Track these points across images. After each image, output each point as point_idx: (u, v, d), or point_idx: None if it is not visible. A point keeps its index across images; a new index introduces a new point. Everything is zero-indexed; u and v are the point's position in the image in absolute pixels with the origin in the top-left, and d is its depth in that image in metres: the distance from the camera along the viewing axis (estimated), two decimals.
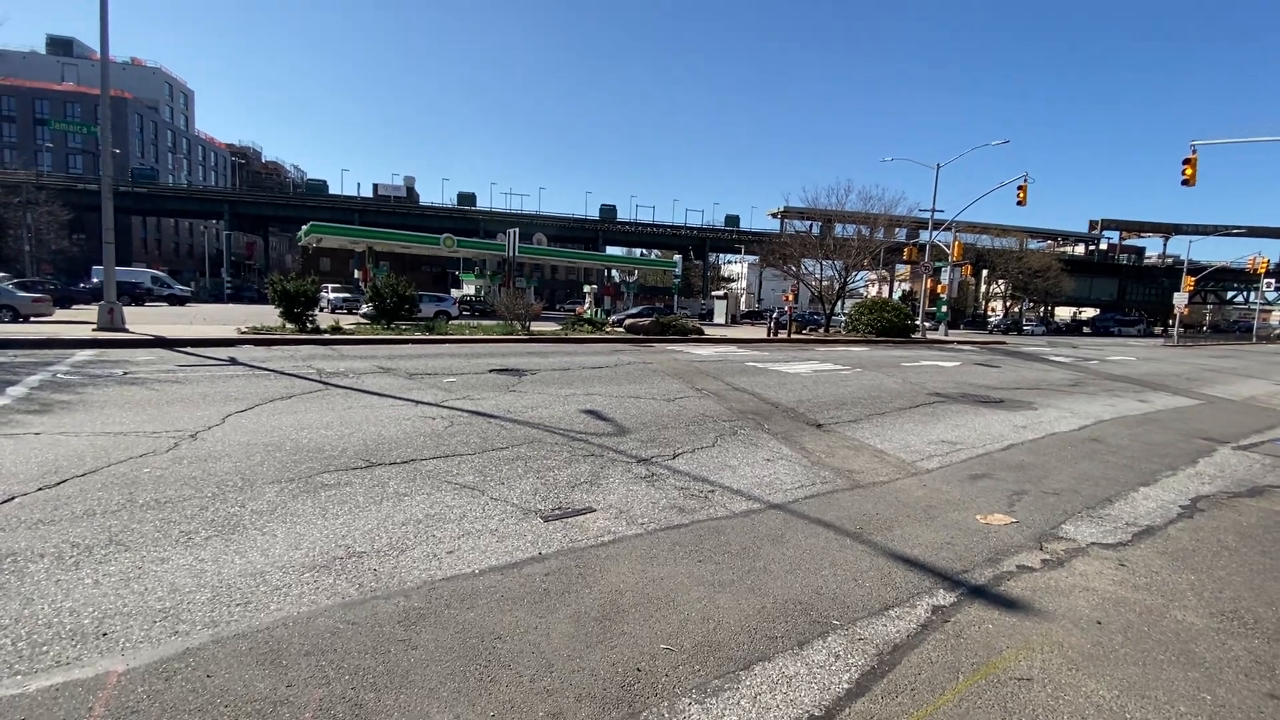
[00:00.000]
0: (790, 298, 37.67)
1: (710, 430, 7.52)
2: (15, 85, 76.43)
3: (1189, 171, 16.77)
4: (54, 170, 71.24)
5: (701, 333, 25.29)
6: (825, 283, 35.26)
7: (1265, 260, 49.98)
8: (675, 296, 58.86)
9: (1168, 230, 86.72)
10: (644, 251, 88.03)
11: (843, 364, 16.34)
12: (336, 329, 17.17)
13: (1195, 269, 55.96)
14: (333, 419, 7.01)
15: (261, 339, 14.84)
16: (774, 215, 67.94)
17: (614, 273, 57.17)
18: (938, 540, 4.48)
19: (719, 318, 47.76)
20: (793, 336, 27.25)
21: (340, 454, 5.69)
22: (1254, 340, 61.94)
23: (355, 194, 75.85)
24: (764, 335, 27.60)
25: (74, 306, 28.29)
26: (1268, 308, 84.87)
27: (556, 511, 4.58)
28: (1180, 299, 46.21)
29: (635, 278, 53.41)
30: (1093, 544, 4.58)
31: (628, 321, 24.76)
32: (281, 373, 10.22)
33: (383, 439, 6.27)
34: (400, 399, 8.43)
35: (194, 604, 3.13)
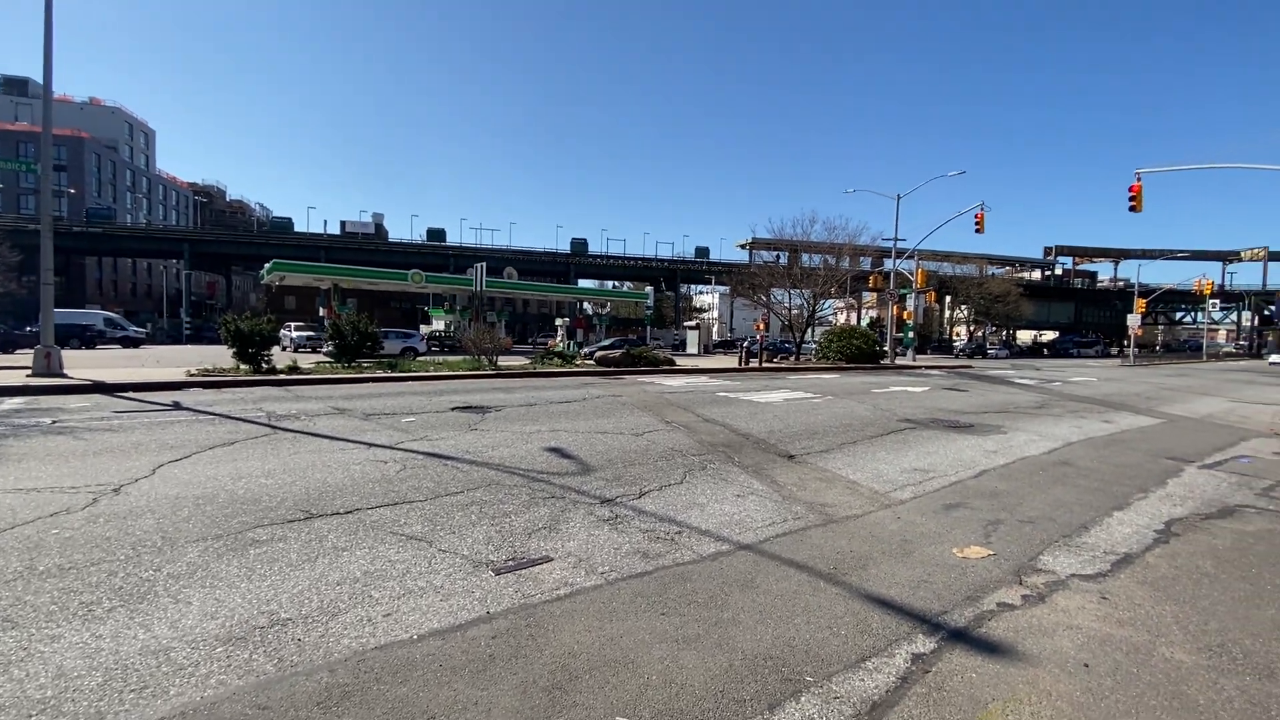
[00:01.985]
0: (761, 327, 37.97)
1: (679, 465, 7.26)
2: None
3: (1136, 198, 17.45)
4: (4, 211, 69.06)
5: (673, 363, 25.16)
6: (794, 311, 35.62)
7: (1210, 282, 52.38)
8: (648, 328, 58.95)
9: (1118, 255, 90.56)
10: (616, 283, 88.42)
11: (814, 392, 16.29)
12: (294, 369, 16.56)
13: (1146, 291, 58.29)
14: (275, 466, 6.56)
15: (211, 381, 14.18)
16: (742, 246, 69.15)
17: (586, 305, 57.14)
18: (915, 578, 4.25)
19: (691, 348, 47.80)
20: (764, 365, 27.30)
21: (278, 505, 5.26)
22: (1204, 358, 64.44)
23: (322, 231, 75.00)
24: (736, 365, 27.59)
25: (16, 351, 26.99)
26: (1214, 326, 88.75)
27: (510, 563, 4.24)
28: (1134, 320, 47.91)
29: (607, 310, 53.43)
30: (1072, 575, 4.41)
31: (599, 354, 24.52)
32: (227, 417, 9.68)
33: (327, 487, 5.85)
34: (352, 441, 7.99)
35: (80, 692, 2.72)
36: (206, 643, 3.13)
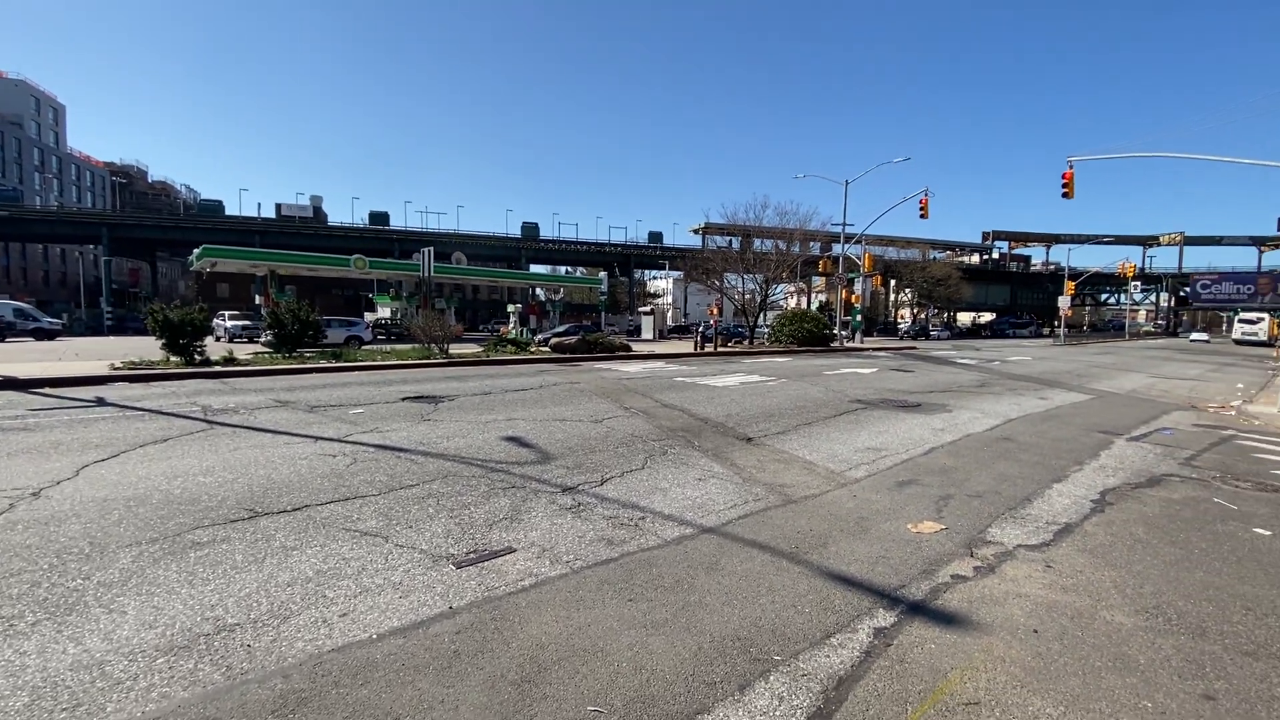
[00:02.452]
0: (715, 311, 38.31)
1: (640, 451, 7.24)
2: None
3: (1068, 185, 18.31)
4: None
5: (629, 349, 25.12)
6: (747, 296, 36.06)
7: (1132, 265, 55.80)
8: (602, 314, 58.61)
9: (1049, 240, 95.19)
10: (569, 269, 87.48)
11: (768, 375, 16.56)
12: (230, 360, 15.71)
13: (1075, 274, 61.60)
14: (214, 463, 6.21)
15: (139, 375, 13.30)
16: (696, 231, 69.37)
17: (539, 291, 56.35)
18: (873, 554, 4.37)
19: (647, 333, 47.86)
20: (719, 350, 27.58)
21: (219, 505, 4.98)
22: (1127, 337, 68.78)
23: (256, 215, 71.12)
24: (691, 350, 27.77)
25: None
26: (1136, 307, 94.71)
27: (471, 555, 4.14)
28: (1064, 302, 50.61)
29: (561, 296, 52.84)
30: (1019, 546, 4.61)
31: (554, 341, 24.22)
32: (159, 412, 9.10)
33: (273, 483, 5.57)
34: (297, 435, 7.64)
35: (4, 714, 2.50)
36: (145, 654, 2.93)
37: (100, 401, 10.08)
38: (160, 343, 15.70)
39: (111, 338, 40.94)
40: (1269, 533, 5.04)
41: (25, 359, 18.17)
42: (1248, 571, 4.23)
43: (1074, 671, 2.99)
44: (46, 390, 11.32)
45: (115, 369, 14.08)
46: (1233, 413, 12.17)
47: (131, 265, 75.51)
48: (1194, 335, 67.11)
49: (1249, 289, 77.12)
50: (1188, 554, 4.52)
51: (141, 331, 43.51)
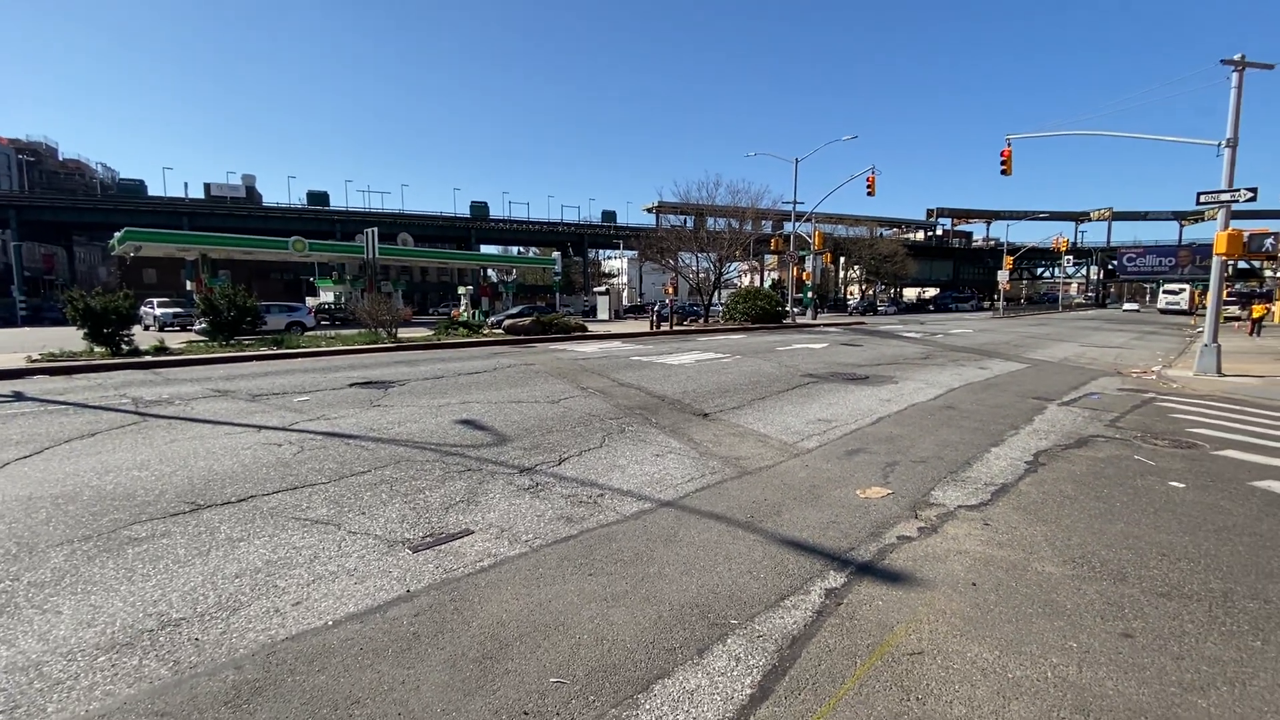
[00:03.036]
0: (670, 290, 38.42)
1: (597, 430, 7.26)
2: None
3: (1006, 163, 19.01)
4: None
5: (585, 330, 25.00)
6: (702, 274, 36.31)
7: (1065, 240, 58.59)
8: (557, 295, 58.00)
9: (990, 216, 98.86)
10: (521, 249, 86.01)
11: (723, 352, 16.78)
12: (161, 349, 14.89)
13: (1013, 250, 64.28)
14: (149, 456, 5.91)
15: (60, 367, 12.47)
16: (649, 210, 69.17)
17: (490, 272, 55.32)
18: (824, 520, 4.53)
19: (602, 314, 47.70)
20: (674, 328, 27.74)
21: (157, 499, 4.76)
22: (1060, 309, 72.43)
23: (183, 195, 67.05)
24: (647, 329, 27.85)
25: None
26: (1068, 280, 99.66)
27: (428, 539, 4.09)
28: (1003, 276, 52.82)
29: (514, 277, 51.98)
30: (959, 506, 4.86)
31: (507, 323, 23.86)
32: (85, 405, 8.58)
33: (214, 475, 5.36)
34: (239, 425, 7.34)
35: None
36: (85, 653, 2.81)
37: (18, 396, 9.43)
38: (82, 333, 14.73)
39: (27, 329, 38.23)
40: (1183, 485, 5.45)
41: None
42: (1163, 521, 4.58)
43: (1008, 619, 3.19)
44: None
45: (33, 361, 13.15)
46: (1154, 377, 13.03)
47: (45, 251, 70.22)
48: (1126, 306, 73.22)
49: (1170, 261, 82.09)
50: (1110, 508, 4.86)
51: (61, 322, 40.88)
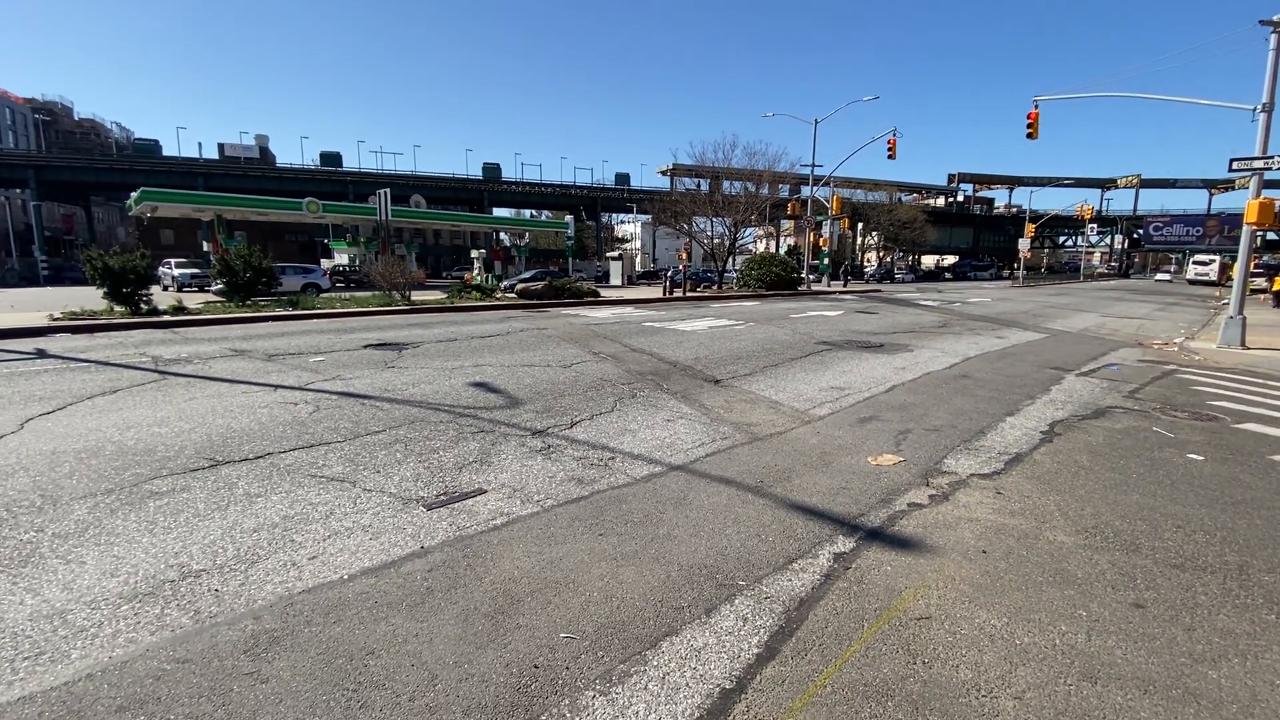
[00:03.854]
0: (684, 256, 38.05)
1: (609, 394, 7.27)
2: None
3: (1033, 126, 18.35)
4: None
5: (597, 295, 24.89)
6: (716, 240, 35.81)
7: (1090, 208, 56.90)
8: (570, 259, 57.63)
9: (1012, 182, 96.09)
10: (533, 213, 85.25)
11: (736, 319, 16.66)
12: (180, 309, 15.06)
13: (1035, 217, 62.59)
14: (169, 413, 6.02)
15: (81, 325, 12.67)
16: (664, 173, 67.98)
17: (503, 236, 54.99)
18: (834, 486, 4.52)
19: (615, 279, 47.42)
20: (688, 295, 27.54)
21: (176, 455, 4.85)
22: (1082, 279, 70.91)
23: (198, 156, 66.87)
24: (660, 295, 27.67)
25: None
26: (1091, 250, 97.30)
27: (442, 497, 4.15)
28: (1024, 244, 51.61)
29: (526, 240, 51.68)
30: (972, 475, 4.83)
31: (520, 286, 23.80)
32: (106, 363, 8.73)
33: (232, 432, 5.45)
34: (256, 384, 7.44)
35: None
36: (109, 602, 2.89)
37: (41, 354, 9.61)
38: (102, 292, 14.92)
39: (49, 288, 38.80)
40: (1201, 458, 5.37)
41: None
42: (1179, 493, 4.53)
43: (1018, 587, 3.19)
44: None
45: (55, 320, 13.37)
46: (1175, 349, 12.77)
47: (64, 211, 70.77)
48: (1158, 276, 72.65)
49: (1198, 231, 79.72)
50: (1126, 479, 4.80)
51: (81, 281, 41.40)
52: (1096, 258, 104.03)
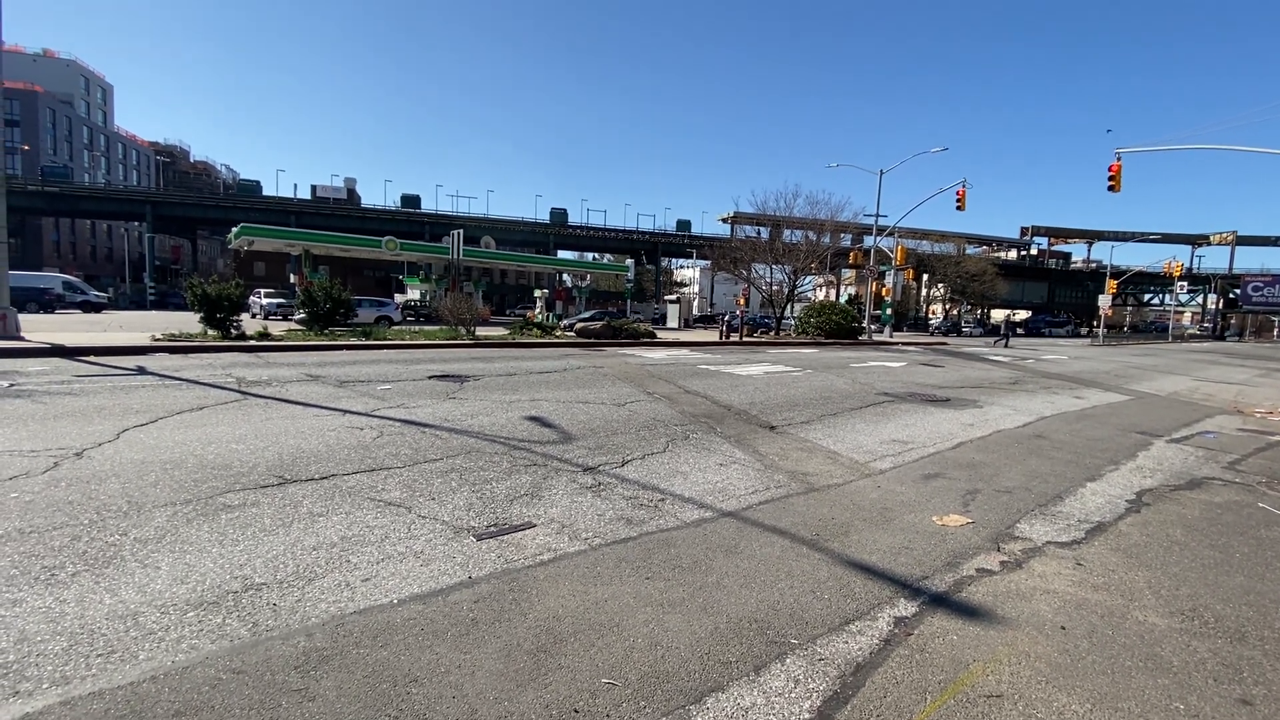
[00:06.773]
0: (742, 301, 38.00)
1: (661, 435, 7.23)
2: None
3: (1115, 178, 17.63)
4: None
5: (654, 336, 25.08)
6: (775, 286, 35.71)
7: (1179, 264, 53.62)
8: (628, 301, 58.64)
9: (1091, 236, 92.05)
10: (596, 256, 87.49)
11: (793, 365, 16.38)
12: (264, 335, 16.12)
13: (1117, 273, 59.45)
14: (246, 431, 6.37)
15: (178, 346, 13.73)
16: (724, 220, 68.79)
17: (565, 276, 56.51)
18: (896, 544, 4.29)
19: (672, 321, 47.73)
20: (744, 339, 27.38)
21: (250, 470, 5.11)
22: (1170, 339, 66.38)
23: (292, 195, 72.60)
24: (716, 338, 27.61)
25: None
26: (1181, 309, 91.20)
27: (491, 529, 4.18)
28: (1105, 301, 48.91)
29: (588, 282, 52.94)
30: (1048, 543, 4.49)
31: (578, 326, 24.31)
32: (195, 382, 9.38)
33: (302, 452, 5.70)
34: (326, 408, 7.80)
35: (44, 656, 2.61)
36: (177, 607, 3.02)
37: (141, 370, 10.42)
38: (199, 317, 16.19)
39: (154, 311, 42.36)
40: None
41: (73, 329, 18.90)
42: None
43: (1103, 670, 2.90)
44: (91, 358, 11.76)
45: (156, 340, 14.55)
46: None
47: (174, 242, 77.81)
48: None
49: None
50: (1228, 557, 4.35)
51: (182, 306, 44.98)
52: (1187, 317, 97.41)
